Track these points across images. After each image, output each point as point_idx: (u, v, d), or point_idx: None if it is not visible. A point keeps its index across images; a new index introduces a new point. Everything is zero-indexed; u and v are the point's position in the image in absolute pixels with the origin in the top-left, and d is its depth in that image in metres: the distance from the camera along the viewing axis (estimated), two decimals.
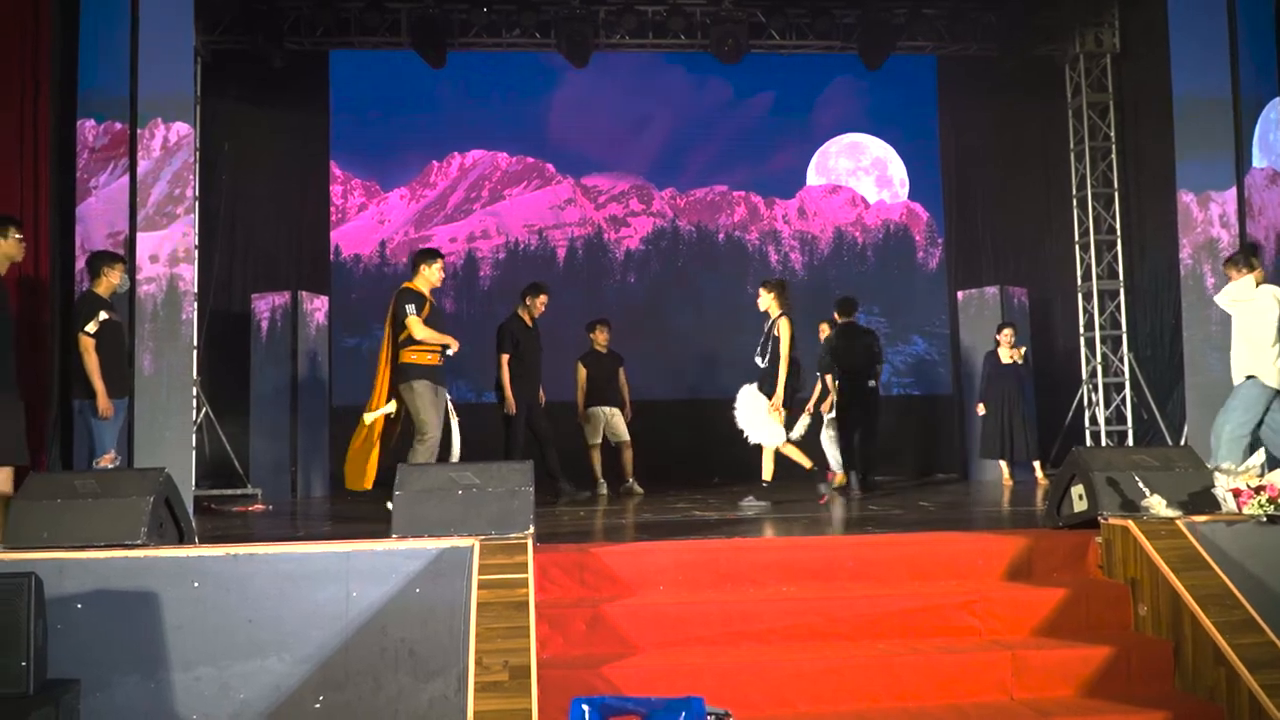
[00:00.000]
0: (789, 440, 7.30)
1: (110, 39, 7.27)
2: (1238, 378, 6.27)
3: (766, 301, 7.30)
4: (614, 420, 8.76)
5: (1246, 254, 6.48)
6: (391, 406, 6.43)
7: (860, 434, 8.50)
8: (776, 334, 7.13)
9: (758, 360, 7.26)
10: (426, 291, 6.59)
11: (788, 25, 10.48)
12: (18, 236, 5.38)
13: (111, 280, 6.25)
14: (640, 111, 11.02)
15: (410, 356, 6.45)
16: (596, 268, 10.91)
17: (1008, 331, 9.37)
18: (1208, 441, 7.55)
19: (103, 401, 6.00)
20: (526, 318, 8.16)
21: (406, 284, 6.63)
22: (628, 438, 8.73)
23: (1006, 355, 9.34)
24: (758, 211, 11.22)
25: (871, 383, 8.59)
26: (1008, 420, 9.21)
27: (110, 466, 5.55)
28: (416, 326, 6.40)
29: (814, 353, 9.10)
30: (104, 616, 3.83)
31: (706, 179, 11.17)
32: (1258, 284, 6.29)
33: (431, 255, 6.75)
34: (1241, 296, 6.32)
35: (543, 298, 8.20)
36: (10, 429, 5.11)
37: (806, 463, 7.26)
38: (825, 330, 9.16)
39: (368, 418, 6.40)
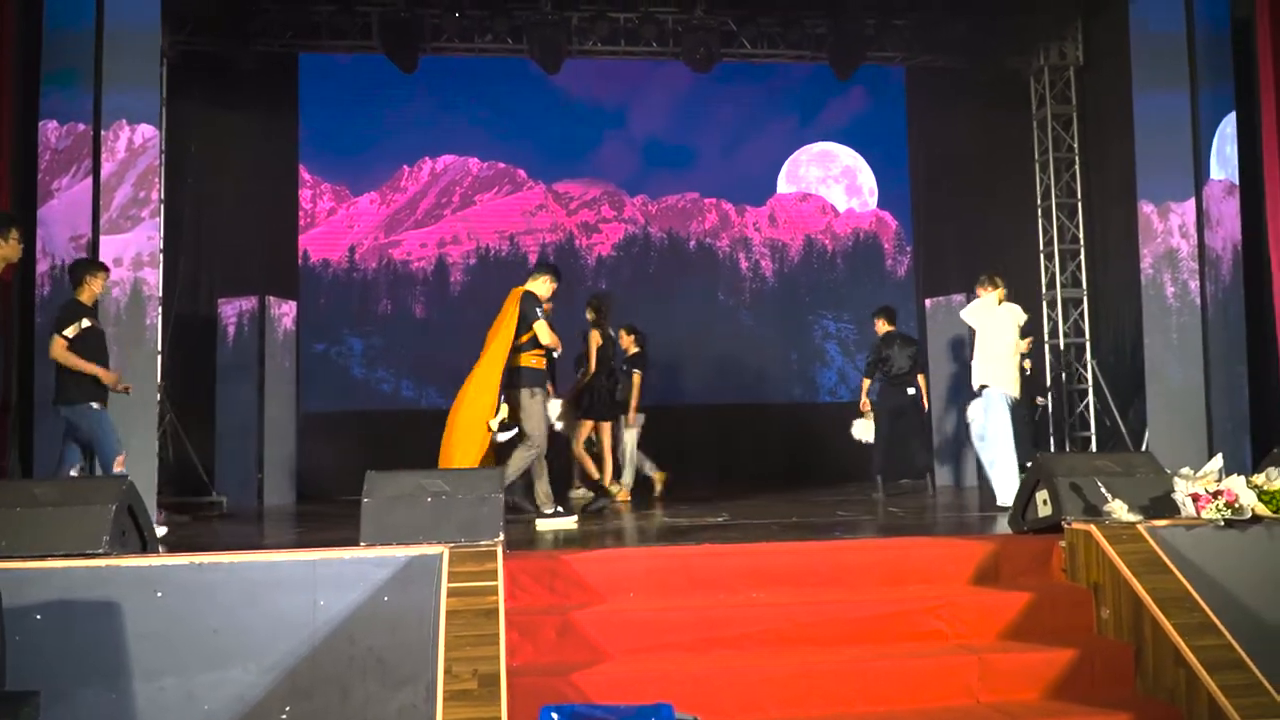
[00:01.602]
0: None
1: (75, 40, 7.19)
2: (975, 385, 6.93)
3: (590, 315, 7.74)
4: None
5: (991, 275, 7.13)
6: (505, 411, 6.32)
7: (898, 440, 8.58)
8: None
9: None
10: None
11: (759, 34, 10.54)
12: (16, 237, 5.24)
13: (94, 288, 6.16)
14: (612, 118, 11.04)
15: (529, 361, 6.42)
16: (568, 274, 10.80)
17: (1030, 339, 9.34)
18: (1168, 447, 7.69)
19: (109, 376, 5.97)
20: None
21: (526, 288, 6.55)
22: None
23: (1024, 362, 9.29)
24: (729, 219, 11.27)
25: (911, 390, 8.61)
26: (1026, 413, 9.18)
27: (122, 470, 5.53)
28: (544, 331, 6.40)
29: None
30: (65, 627, 3.77)
31: (678, 186, 11.20)
32: (999, 302, 6.93)
33: (557, 272, 6.80)
34: (984, 313, 6.91)
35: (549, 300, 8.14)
36: None
37: (594, 473, 7.46)
38: (625, 338, 8.89)
39: (495, 427, 6.21)
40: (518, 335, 6.37)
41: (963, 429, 10.02)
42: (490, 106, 10.84)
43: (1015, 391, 6.90)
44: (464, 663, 3.53)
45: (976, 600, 4.40)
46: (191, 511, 8.11)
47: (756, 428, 10.38)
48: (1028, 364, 9.19)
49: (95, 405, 6.02)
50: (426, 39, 10.13)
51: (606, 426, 7.57)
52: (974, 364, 7.01)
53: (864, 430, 8.60)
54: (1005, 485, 6.81)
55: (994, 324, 6.94)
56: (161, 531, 6.10)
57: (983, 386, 6.92)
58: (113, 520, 4.06)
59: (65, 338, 5.90)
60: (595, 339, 7.54)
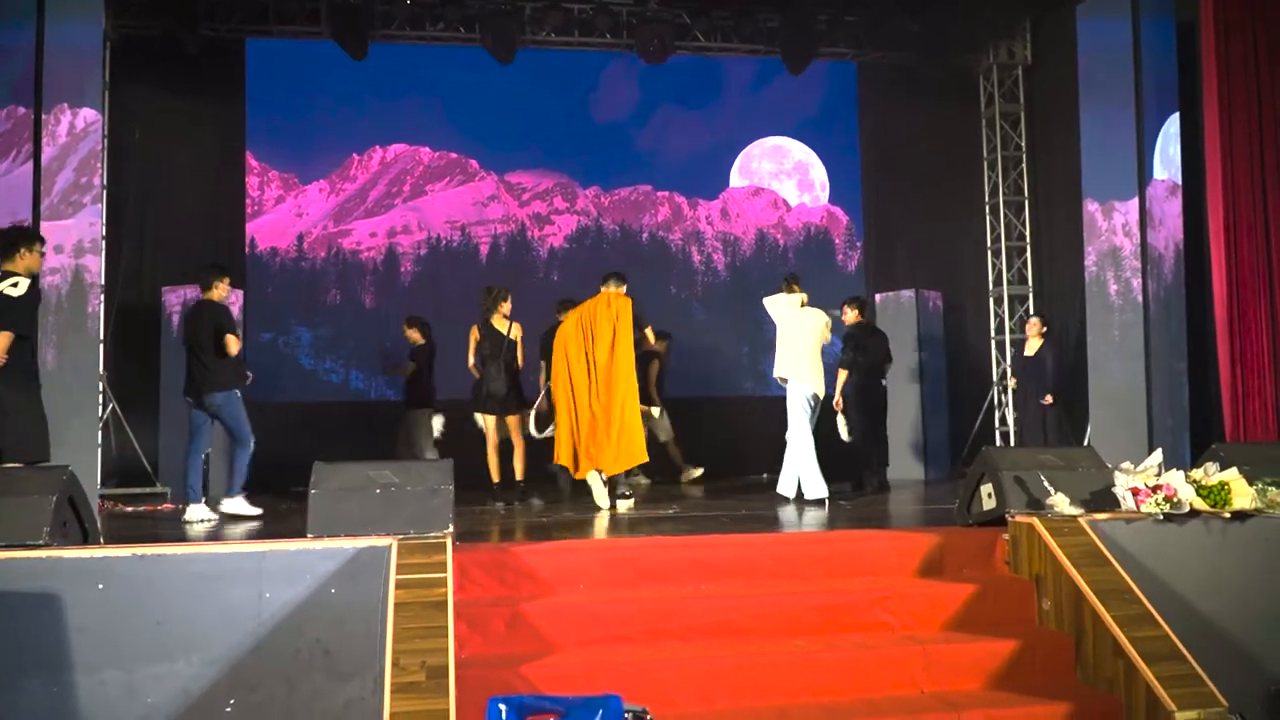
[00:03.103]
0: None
1: (15, 20, 7.01)
2: (776, 376, 7.32)
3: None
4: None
5: (790, 281, 7.46)
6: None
7: (871, 433, 8.39)
8: None
9: None
10: None
11: (712, 28, 10.56)
12: (40, 250, 5.54)
13: (222, 290, 6.93)
14: (565, 109, 10.99)
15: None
16: (520, 265, 10.86)
17: (1034, 320, 9.15)
18: (1109, 442, 7.86)
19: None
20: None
21: (624, 295, 7.12)
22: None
23: (1031, 346, 9.08)
24: (681, 212, 11.29)
25: (884, 382, 8.64)
26: (1034, 412, 9.00)
27: None
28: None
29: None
30: (4, 619, 3.68)
31: (631, 178, 11.19)
32: (801, 305, 7.25)
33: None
34: (785, 309, 7.26)
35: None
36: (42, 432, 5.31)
37: (496, 477, 7.47)
38: (409, 331, 8.78)
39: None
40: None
41: (915, 423, 10.18)
42: (442, 96, 10.74)
43: (818, 389, 7.19)
44: (412, 655, 3.52)
45: (922, 592, 4.46)
46: (134, 503, 7.97)
47: (707, 421, 10.41)
48: (1049, 399, 8.78)
49: (238, 392, 6.81)
50: (376, 26, 10.01)
51: (492, 420, 7.40)
52: (776, 358, 7.32)
53: (846, 428, 8.14)
54: (787, 476, 7.21)
55: (795, 322, 7.22)
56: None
57: (783, 380, 7.26)
58: (53, 511, 3.98)
59: (238, 336, 6.82)
60: (473, 333, 7.51)
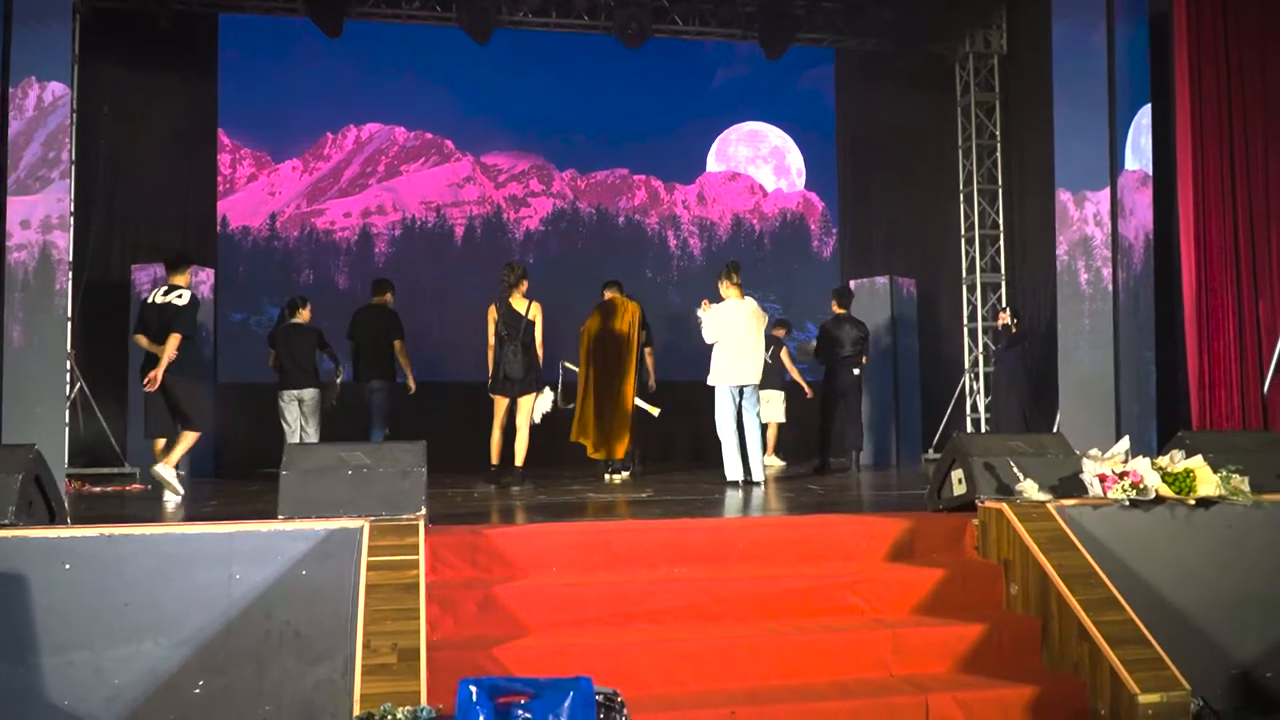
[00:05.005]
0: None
1: None
2: (720, 383, 7.46)
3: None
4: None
5: (730, 270, 7.49)
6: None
7: (845, 418, 9.07)
8: None
9: None
10: None
11: (690, 11, 10.54)
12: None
13: (390, 299, 8.40)
14: (542, 91, 10.92)
15: None
16: (495, 248, 10.80)
17: (1004, 316, 9.50)
18: (1078, 429, 7.94)
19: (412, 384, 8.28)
20: None
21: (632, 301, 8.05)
22: None
23: (1005, 339, 9.42)
24: (658, 196, 11.28)
25: (856, 371, 8.98)
26: (1004, 399, 9.33)
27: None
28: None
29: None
30: None
31: (608, 161, 11.16)
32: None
33: None
34: (731, 312, 7.38)
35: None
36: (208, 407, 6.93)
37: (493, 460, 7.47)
38: (492, 315, 8.62)
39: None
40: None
41: (887, 409, 10.25)
42: (418, 75, 10.65)
43: (742, 380, 7.31)
44: (383, 637, 3.51)
45: (891, 576, 4.50)
46: (102, 483, 7.89)
47: (682, 406, 10.43)
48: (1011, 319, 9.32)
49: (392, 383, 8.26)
50: (352, 3, 9.91)
51: (505, 402, 7.28)
52: (717, 364, 7.44)
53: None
54: (728, 464, 7.39)
55: (736, 323, 7.33)
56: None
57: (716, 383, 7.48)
58: (19, 490, 3.94)
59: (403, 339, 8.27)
60: (491, 313, 7.40)
